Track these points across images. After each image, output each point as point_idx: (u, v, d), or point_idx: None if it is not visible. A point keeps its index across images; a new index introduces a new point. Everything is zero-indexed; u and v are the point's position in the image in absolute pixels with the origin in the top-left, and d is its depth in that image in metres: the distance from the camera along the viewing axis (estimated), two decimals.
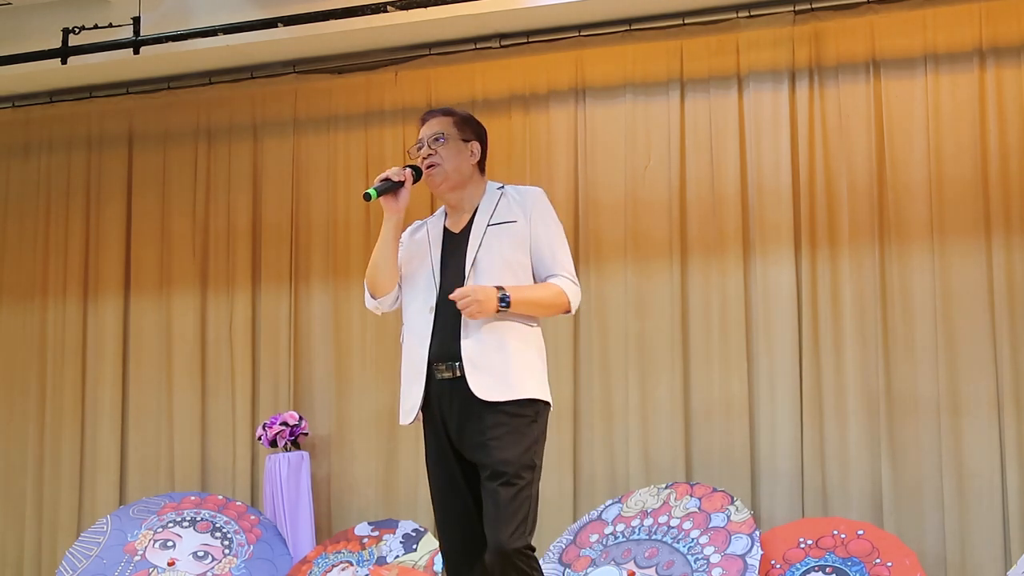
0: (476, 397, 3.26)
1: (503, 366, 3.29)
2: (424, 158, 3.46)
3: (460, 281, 3.35)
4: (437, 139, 3.46)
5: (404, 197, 3.42)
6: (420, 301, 3.41)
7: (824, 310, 5.46)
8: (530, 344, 3.37)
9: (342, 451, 6.20)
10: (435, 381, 3.34)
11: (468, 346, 3.28)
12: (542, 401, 3.36)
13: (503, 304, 3.26)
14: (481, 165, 3.52)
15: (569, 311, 3.44)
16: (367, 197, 3.36)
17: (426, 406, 3.38)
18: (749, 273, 5.60)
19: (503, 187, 3.51)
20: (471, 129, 3.52)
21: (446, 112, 3.55)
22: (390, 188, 3.40)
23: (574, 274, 3.47)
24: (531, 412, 3.32)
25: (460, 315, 3.30)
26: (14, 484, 6.68)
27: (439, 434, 3.36)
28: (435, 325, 3.35)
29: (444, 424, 3.34)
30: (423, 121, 3.55)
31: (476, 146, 3.50)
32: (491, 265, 3.35)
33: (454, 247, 3.43)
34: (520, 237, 3.40)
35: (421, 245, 3.50)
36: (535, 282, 3.41)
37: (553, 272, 3.41)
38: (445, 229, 3.50)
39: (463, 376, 3.28)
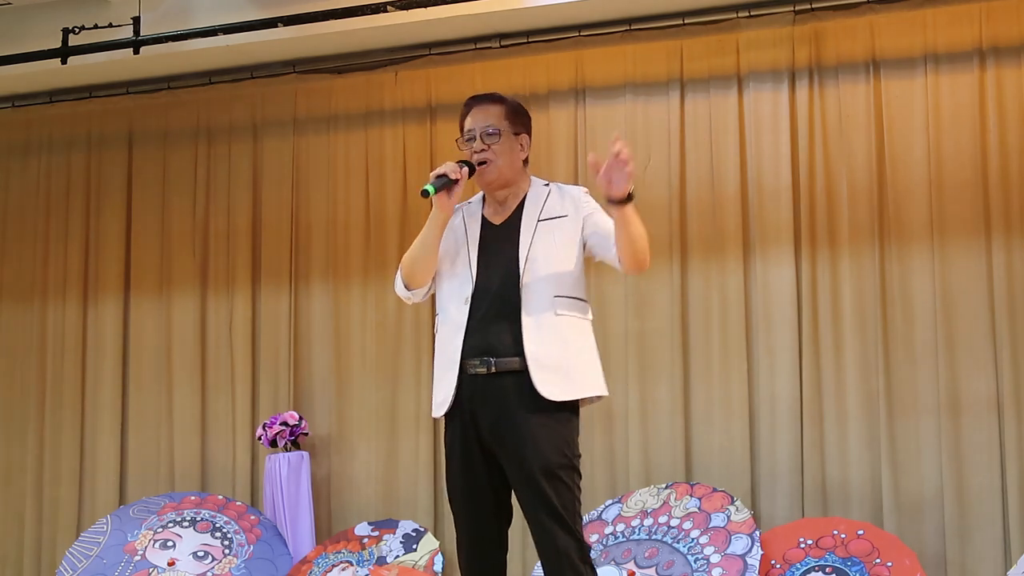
0: (513, 396, 3.20)
1: (567, 363, 3.24)
2: (476, 152, 3.36)
3: (512, 275, 3.28)
4: (490, 134, 3.35)
5: (456, 194, 3.31)
6: (456, 292, 3.34)
7: (824, 310, 5.46)
8: (588, 339, 3.33)
9: (342, 451, 6.20)
10: (466, 376, 3.27)
11: (531, 343, 3.22)
12: (578, 400, 3.30)
13: (629, 196, 3.15)
14: (527, 157, 3.45)
15: (646, 263, 3.29)
16: (425, 194, 3.24)
17: (455, 401, 3.30)
18: (749, 273, 5.60)
19: (549, 184, 3.45)
20: (521, 121, 3.43)
21: (495, 99, 3.42)
22: (446, 185, 3.28)
23: None
24: (568, 410, 3.27)
25: (500, 311, 3.25)
26: (14, 484, 6.68)
27: (467, 431, 3.28)
28: (470, 317, 3.28)
29: (474, 421, 3.27)
30: (469, 107, 3.43)
31: (525, 139, 3.43)
32: (547, 259, 3.29)
33: (497, 239, 3.36)
34: (571, 231, 3.34)
35: (457, 233, 3.40)
36: (583, 269, 3.36)
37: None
38: (484, 219, 3.41)
39: (500, 373, 3.22)
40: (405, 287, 3.44)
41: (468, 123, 3.42)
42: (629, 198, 3.16)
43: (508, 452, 3.23)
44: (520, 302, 3.26)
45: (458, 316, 3.31)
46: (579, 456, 3.29)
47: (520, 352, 3.23)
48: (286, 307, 6.36)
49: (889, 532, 5.12)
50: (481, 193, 3.49)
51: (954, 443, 5.19)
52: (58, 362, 6.67)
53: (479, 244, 3.37)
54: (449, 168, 3.28)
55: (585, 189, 3.48)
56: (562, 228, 3.35)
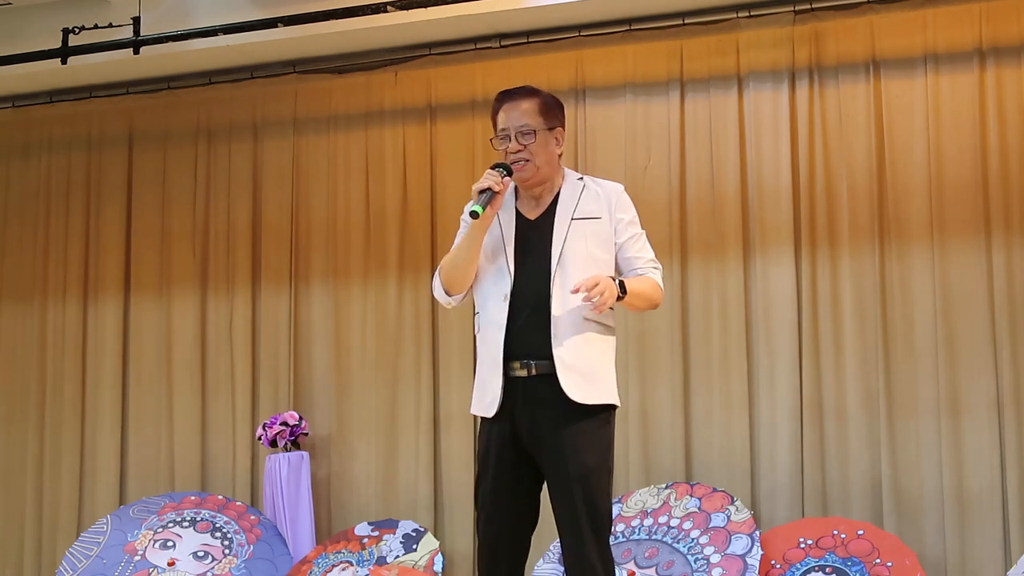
0: (553, 398, 3.20)
1: (592, 368, 3.25)
2: (512, 152, 3.32)
3: (544, 274, 3.26)
4: (526, 133, 3.32)
5: (499, 202, 3.29)
6: (495, 290, 3.31)
7: (824, 310, 5.46)
8: (610, 348, 3.33)
9: (342, 451, 6.20)
10: (509, 378, 3.26)
11: (560, 347, 3.21)
12: (614, 404, 3.34)
13: (622, 292, 3.20)
14: (561, 152, 3.43)
15: (658, 305, 3.38)
16: (475, 215, 3.21)
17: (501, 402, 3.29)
18: (749, 273, 5.61)
19: (583, 178, 3.43)
20: (555, 115, 3.39)
21: (530, 94, 3.38)
22: (491, 199, 3.25)
23: (658, 262, 3.43)
24: (605, 415, 3.28)
25: (536, 312, 3.24)
26: (14, 484, 6.68)
27: (504, 432, 3.28)
28: (510, 317, 3.26)
29: (513, 423, 3.26)
30: (501, 102, 3.39)
31: (560, 132, 3.39)
32: (576, 261, 3.27)
33: (531, 236, 3.34)
34: (604, 235, 3.33)
35: (492, 229, 3.35)
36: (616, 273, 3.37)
37: (638, 267, 3.37)
38: (518, 213, 3.38)
39: (540, 375, 3.22)
40: (446, 293, 3.40)
41: (501, 120, 3.37)
42: (624, 290, 3.23)
43: (547, 453, 3.23)
44: (551, 303, 3.25)
45: (498, 315, 3.28)
46: (612, 464, 3.32)
47: (551, 354, 3.23)
48: (286, 307, 6.37)
49: (889, 532, 5.12)
50: (512, 184, 3.44)
51: (954, 443, 5.20)
52: (58, 362, 6.68)
53: (515, 240, 3.34)
54: (492, 181, 3.24)
55: (622, 187, 3.44)
56: (595, 231, 3.33)
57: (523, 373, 3.24)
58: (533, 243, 3.32)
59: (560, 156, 3.42)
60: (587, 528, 3.18)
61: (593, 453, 3.21)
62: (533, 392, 3.23)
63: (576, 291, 3.16)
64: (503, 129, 3.35)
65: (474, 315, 3.44)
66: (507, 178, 3.28)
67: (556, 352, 3.21)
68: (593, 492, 3.19)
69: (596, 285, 3.13)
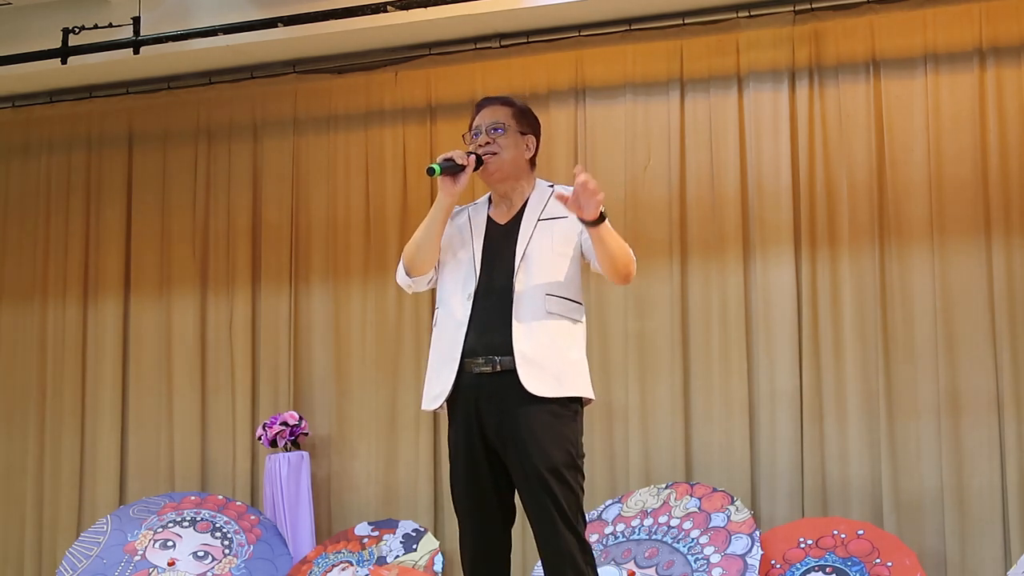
0: (518, 394, 3.20)
1: (554, 362, 3.25)
2: (481, 146, 3.41)
3: (508, 272, 3.31)
4: (496, 128, 3.42)
5: (462, 181, 3.35)
6: (459, 288, 3.36)
7: (824, 310, 5.47)
8: (576, 341, 3.34)
9: (342, 451, 6.20)
10: (469, 375, 3.27)
11: (520, 340, 3.23)
12: (582, 398, 3.33)
13: (600, 217, 3.19)
14: (533, 159, 3.50)
15: (631, 275, 3.34)
16: (431, 172, 3.30)
17: (455, 400, 3.31)
18: (749, 273, 5.61)
19: (553, 186, 3.48)
20: (528, 122, 3.49)
21: (505, 102, 3.50)
22: (453, 169, 3.33)
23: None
24: (571, 410, 3.29)
25: (500, 308, 3.27)
26: (14, 484, 6.67)
27: (471, 431, 3.29)
28: (472, 315, 3.30)
29: (479, 421, 3.27)
30: (479, 108, 3.51)
31: (532, 140, 3.48)
32: (541, 258, 3.32)
33: (500, 238, 3.39)
34: (569, 232, 3.36)
35: (463, 231, 3.45)
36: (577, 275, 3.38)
37: None
38: (489, 219, 3.45)
39: (504, 371, 3.23)
40: (406, 274, 3.46)
41: (476, 122, 3.48)
42: (602, 218, 3.21)
43: (513, 451, 3.23)
44: (513, 300, 3.28)
45: (460, 312, 3.32)
46: (583, 456, 3.31)
47: (513, 350, 3.24)
48: (286, 307, 6.36)
49: (889, 532, 5.12)
50: (487, 195, 3.53)
51: (954, 443, 5.20)
52: (58, 362, 6.67)
53: (484, 242, 3.40)
54: (456, 153, 3.34)
55: None
56: (561, 229, 3.37)
57: (487, 369, 3.26)
58: (500, 244, 3.38)
59: (532, 165, 3.49)
60: (559, 521, 3.18)
61: (558, 449, 3.21)
62: (497, 389, 3.24)
63: (566, 198, 3.17)
64: (476, 127, 3.47)
65: (434, 312, 3.48)
66: (472, 157, 3.36)
67: (516, 346, 3.23)
68: (560, 488, 3.19)
69: (590, 181, 3.11)
